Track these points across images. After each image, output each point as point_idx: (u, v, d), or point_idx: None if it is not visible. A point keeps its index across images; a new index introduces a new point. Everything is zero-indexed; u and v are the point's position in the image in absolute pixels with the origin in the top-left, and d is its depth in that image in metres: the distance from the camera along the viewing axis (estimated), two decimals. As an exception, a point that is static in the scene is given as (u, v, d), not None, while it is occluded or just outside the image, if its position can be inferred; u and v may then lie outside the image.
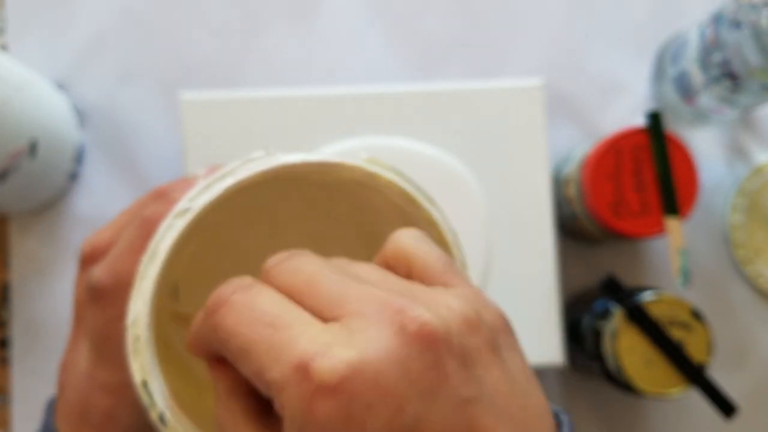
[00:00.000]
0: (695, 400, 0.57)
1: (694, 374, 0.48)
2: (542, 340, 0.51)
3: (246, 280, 0.25)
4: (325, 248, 0.36)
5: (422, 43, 0.59)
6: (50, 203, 0.57)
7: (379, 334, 0.22)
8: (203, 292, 0.38)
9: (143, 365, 0.27)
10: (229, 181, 0.29)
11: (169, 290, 0.37)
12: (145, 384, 0.27)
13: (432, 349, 0.22)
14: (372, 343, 0.22)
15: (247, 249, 0.38)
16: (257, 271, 0.34)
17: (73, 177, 0.57)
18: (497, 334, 0.25)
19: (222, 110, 0.51)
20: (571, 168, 0.53)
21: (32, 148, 0.50)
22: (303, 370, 0.22)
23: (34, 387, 0.56)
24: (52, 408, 0.36)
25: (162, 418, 0.27)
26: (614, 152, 0.50)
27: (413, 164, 0.51)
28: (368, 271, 0.26)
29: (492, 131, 0.52)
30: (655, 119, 0.50)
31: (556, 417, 0.28)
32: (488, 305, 0.25)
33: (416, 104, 0.52)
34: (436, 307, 0.24)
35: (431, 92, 0.52)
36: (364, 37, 0.59)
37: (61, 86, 0.58)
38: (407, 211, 0.32)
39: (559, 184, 0.55)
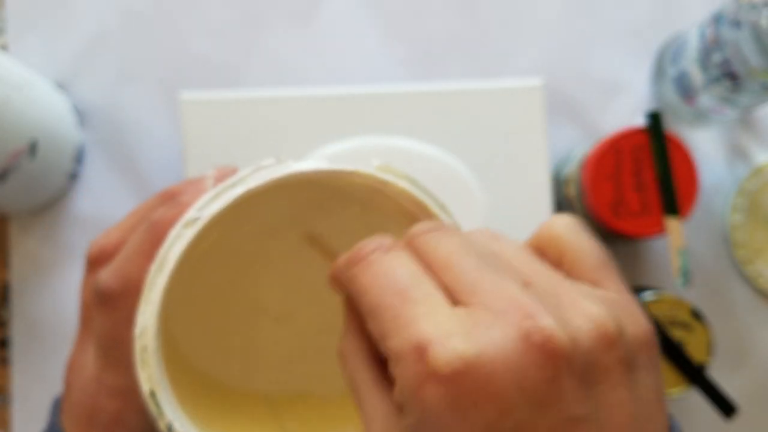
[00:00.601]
0: (695, 400, 0.57)
1: (694, 374, 0.48)
2: (542, 340, 0.51)
3: (386, 240, 0.26)
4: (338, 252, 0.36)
5: (422, 43, 0.59)
6: (50, 203, 0.57)
7: (502, 335, 0.22)
8: (213, 295, 0.38)
9: (151, 375, 0.27)
10: (239, 190, 0.29)
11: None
12: (153, 394, 0.27)
13: (552, 364, 0.22)
14: (493, 342, 0.22)
15: (255, 249, 0.38)
16: (263, 272, 0.34)
17: (73, 177, 0.57)
18: (637, 351, 0.23)
19: (222, 110, 0.51)
20: (571, 168, 0.53)
21: (32, 148, 0.50)
22: (420, 352, 0.22)
23: (34, 387, 0.56)
24: (58, 408, 0.36)
25: (170, 428, 0.27)
26: (614, 152, 0.50)
27: (413, 164, 0.51)
28: (515, 253, 0.26)
29: (492, 131, 0.52)
30: (655, 119, 0.50)
31: (672, 429, 0.27)
32: (635, 315, 0.24)
33: (416, 104, 0.52)
34: (574, 316, 0.23)
35: (431, 92, 0.52)
36: (364, 37, 0.59)
37: (61, 86, 0.58)
38: (420, 218, 0.31)
39: (559, 184, 0.55)
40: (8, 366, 0.56)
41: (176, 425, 0.27)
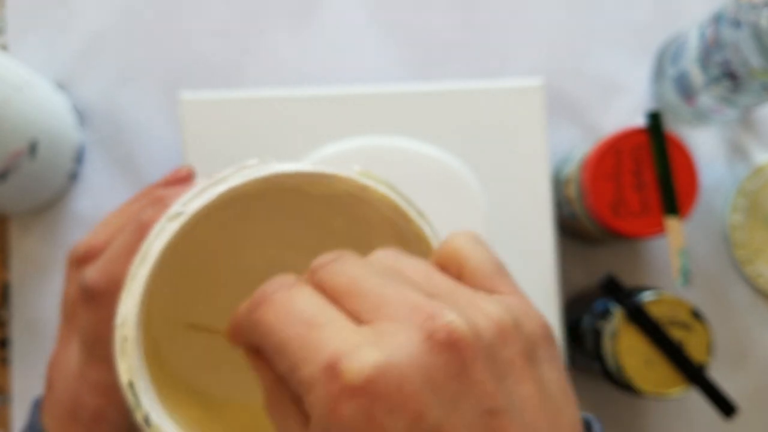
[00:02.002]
0: (695, 400, 0.57)
1: (694, 374, 0.48)
2: (542, 340, 0.51)
3: (289, 278, 0.26)
4: None
5: (422, 43, 0.59)
6: (50, 203, 0.57)
7: (407, 338, 0.22)
8: (202, 301, 0.38)
9: (130, 366, 0.27)
10: (222, 187, 0.29)
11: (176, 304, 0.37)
12: (131, 385, 0.27)
13: (458, 358, 0.22)
14: (399, 347, 0.22)
15: (243, 261, 0.38)
16: (252, 282, 0.34)
17: (73, 177, 0.57)
18: (536, 345, 0.24)
19: (222, 110, 0.51)
20: (571, 168, 0.53)
21: (32, 148, 0.50)
22: (332, 370, 0.22)
23: (34, 387, 0.56)
24: (38, 407, 0.36)
25: (147, 420, 0.27)
26: (614, 152, 0.50)
27: (413, 164, 0.51)
28: (415, 268, 0.26)
29: (492, 131, 0.52)
30: (655, 119, 0.50)
31: (588, 426, 0.28)
32: (530, 314, 0.25)
33: (416, 104, 0.52)
34: (473, 314, 0.23)
35: (431, 92, 0.52)
36: (364, 37, 0.59)
37: (61, 86, 0.58)
38: (399, 225, 0.32)
39: (559, 184, 0.55)
40: (8, 366, 0.57)
41: (153, 416, 0.27)
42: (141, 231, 0.32)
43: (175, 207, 0.29)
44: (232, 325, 0.27)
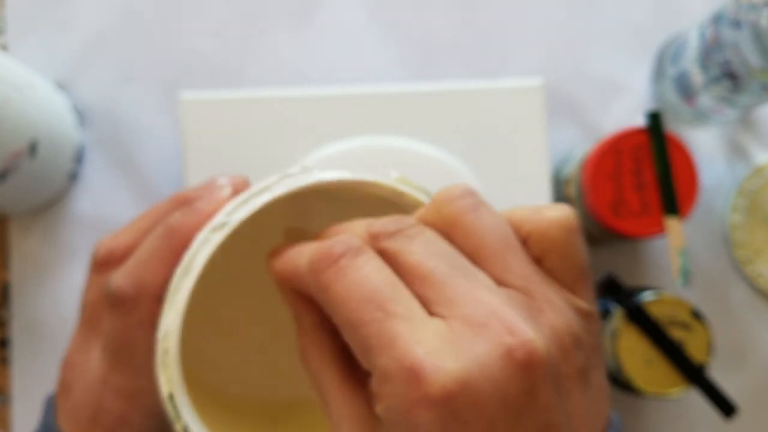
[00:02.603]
0: (695, 400, 0.57)
1: (694, 374, 0.48)
2: (542, 340, 0.51)
3: (354, 241, 0.25)
4: None
5: (422, 43, 0.59)
6: (50, 203, 0.57)
7: (485, 351, 0.23)
8: (230, 308, 0.38)
9: (171, 378, 0.28)
10: (266, 197, 0.29)
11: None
12: (171, 397, 0.28)
13: (531, 376, 0.23)
14: (478, 361, 0.22)
15: (254, 261, 0.38)
16: (262, 280, 0.34)
17: (73, 177, 0.57)
18: (590, 357, 0.25)
19: (222, 110, 0.51)
20: (571, 168, 0.53)
21: (32, 148, 0.50)
22: (412, 375, 0.22)
23: (34, 387, 0.56)
24: (51, 407, 0.36)
25: (186, 431, 0.27)
26: (614, 152, 0.50)
27: (413, 164, 0.51)
28: (496, 234, 0.25)
29: (492, 131, 0.52)
30: (655, 119, 0.50)
31: (610, 421, 0.28)
32: (595, 326, 0.26)
33: (416, 104, 0.52)
34: (548, 325, 0.24)
35: (431, 92, 0.52)
36: (364, 37, 0.59)
37: (61, 86, 0.58)
38: None
39: (559, 184, 0.55)
40: (8, 366, 0.56)
41: (193, 428, 0.28)
42: (169, 236, 0.32)
43: (219, 217, 0.29)
44: (284, 269, 0.27)
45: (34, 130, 0.50)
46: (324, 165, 0.49)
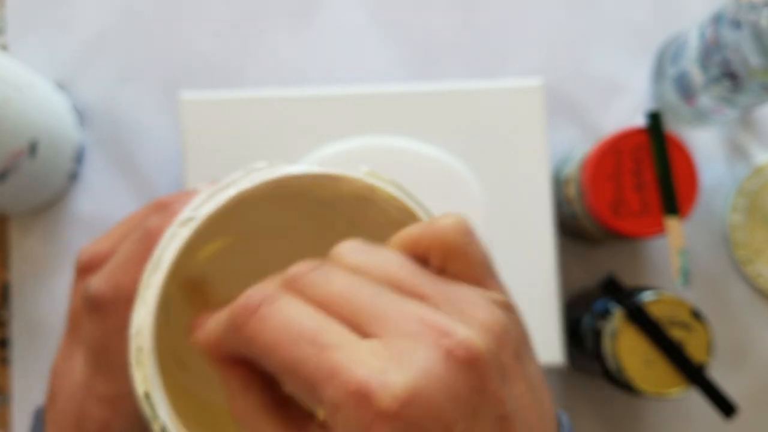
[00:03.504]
0: (695, 400, 0.57)
1: (694, 374, 0.48)
2: (542, 340, 0.51)
3: (269, 289, 0.25)
4: None
5: (422, 43, 0.59)
6: (50, 203, 0.57)
7: (427, 358, 0.23)
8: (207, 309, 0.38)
9: (146, 376, 0.27)
10: (232, 191, 0.29)
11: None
12: (147, 396, 0.27)
13: (476, 372, 0.23)
14: (422, 368, 0.23)
15: (247, 264, 0.38)
16: (253, 280, 0.34)
17: (73, 177, 0.57)
18: (520, 343, 0.25)
19: (222, 110, 0.51)
20: (571, 168, 0.53)
21: (32, 148, 0.50)
22: (361, 397, 0.22)
23: (34, 387, 0.56)
24: (39, 419, 0.36)
25: (164, 431, 0.27)
26: (614, 152, 0.50)
27: (413, 164, 0.51)
28: (393, 263, 0.26)
29: (492, 131, 0.52)
30: (655, 119, 0.50)
31: (557, 418, 0.28)
32: (515, 314, 0.26)
33: (416, 104, 0.52)
34: (475, 321, 0.24)
35: (431, 92, 0.52)
36: (364, 37, 0.59)
37: (61, 86, 0.58)
38: (406, 225, 0.32)
39: (559, 184, 0.55)
40: (8, 366, 0.57)
41: (170, 427, 0.27)
42: (146, 238, 0.32)
43: (186, 212, 0.29)
44: (208, 338, 0.27)
45: (34, 130, 0.50)
46: (324, 165, 0.49)
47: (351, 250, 0.27)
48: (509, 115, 0.52)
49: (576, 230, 0.55)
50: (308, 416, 0.26)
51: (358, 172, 0.30)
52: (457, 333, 0.23)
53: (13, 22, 0.59)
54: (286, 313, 0.24)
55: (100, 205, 0.58)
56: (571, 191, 0.53)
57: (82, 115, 0.58)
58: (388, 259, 0.26)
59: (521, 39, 0.59)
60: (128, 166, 0.58)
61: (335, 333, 0.24)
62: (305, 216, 0.36)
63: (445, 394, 0.22)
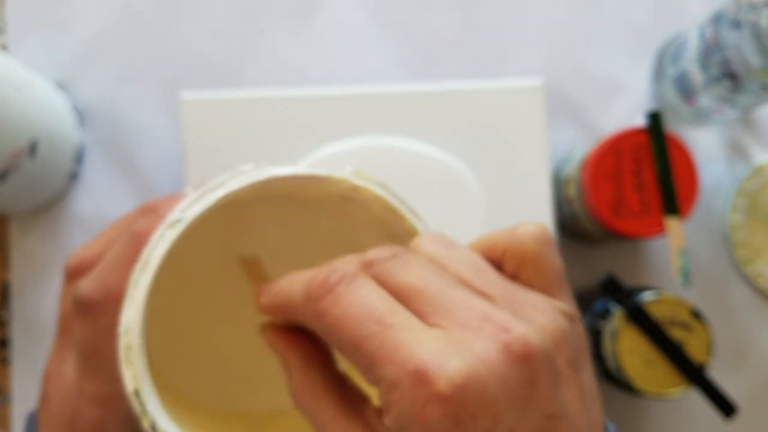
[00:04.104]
0: (695, 400, 0.57)
1: (694, 374, 0.48)
2: (542, 340, 0.51)
3: (350, 269, 0.26)
4: (307, 266, 0.37)
5: (422, 43, 0.59)
6: (50, 203, 0.57)
7: (485, 349, 0.24)
8: (198, 310, 0.38)
9: (135, 374, 0.27)
10: (219, 193, 0.29)
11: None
12: (137, 393, 0.27)
13: (530, 368, 0.24)
14: (480, 357, 0.24)
15: (234, 268, 0.38)
16: (245, 293, 0.34)
17: (73, 177, 0.57)
18: (578, 352, 0.26)
19: (222, 110, 0.51)
20: (571, 168, 0.53)
21: (32, 148, 0.50)
22: (420, 377, 0.23)
23: (34, 387, 0.56)
24: (32, 423, 0.36)
25: (154, 427, 0.27)
26: (614, 152, 0.50)
27: (413, 164, 0.51)
28: (467, 262, 0.27)
29: (492, 131, 0.52)
30: (655, 119, 0.50)
31: (605, 428, 0.29)
32: (578, 324, 0.27)
33: (416, 104, 0.52)
34: (536, 323, 0.25)
35: (431, 92, 0.52)
36: (364, 37, 0.59)
37: (61, 86, 0.58)
38: (390, 223, 0.32)
39: (559, 184, 0.55)
40: (8, 366, 0.57)
41: (160, 423, 0.27)
42: (134, 241, 0.32)
43: (174, 214, 0.29)
44: (277, 302, 0.28)
45: (34, 130, 0.50)
46: (324, 165, 0.49)
47: (431, 241, 0.28)
48: (509, 115, 0.52)
49: (576, 230, 0.55)
50: (364, 399, 0.27)
51: (344, 172, 0.31)
52: (517, 329, 0.24)
53: (13, 22, 0.59)
54: (361, 294, 0.25)
55: (100, 205, 0.58)
56: (571, 191, 0.53)
57: (82, 115, 0.58)
58: (463, 256, 0.27)
59: (521, 39, 0.59)
60: (128, 166, 0.58)
61: (402, 316, 0.25)
62: (292, 216, 0.36)
63: (498, 385, 0.23)
